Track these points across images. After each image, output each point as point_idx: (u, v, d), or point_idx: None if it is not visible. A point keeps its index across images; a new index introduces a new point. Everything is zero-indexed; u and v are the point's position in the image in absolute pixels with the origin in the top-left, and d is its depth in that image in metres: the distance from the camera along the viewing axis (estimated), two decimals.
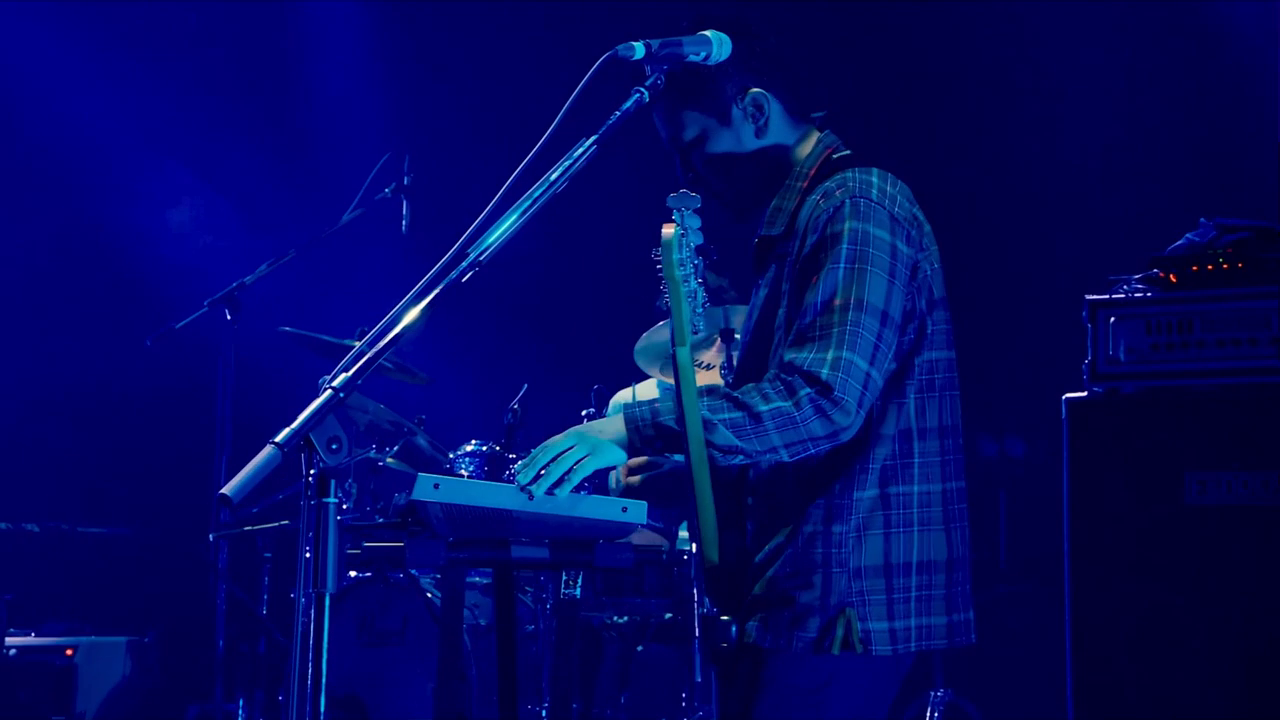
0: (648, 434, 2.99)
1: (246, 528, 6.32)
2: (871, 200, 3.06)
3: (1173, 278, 4.57)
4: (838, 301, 3.00)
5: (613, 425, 3.03)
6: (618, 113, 2.81)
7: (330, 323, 7.00)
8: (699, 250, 2.60)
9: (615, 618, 6.03)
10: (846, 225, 3.03)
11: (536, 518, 2.92)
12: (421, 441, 6.61)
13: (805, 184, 3.20)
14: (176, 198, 8.20)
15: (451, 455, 6.04)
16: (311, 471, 2.33)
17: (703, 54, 3.04)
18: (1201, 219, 4.62)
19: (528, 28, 8.03)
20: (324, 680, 2.30)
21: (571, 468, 2.96)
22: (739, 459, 2.98)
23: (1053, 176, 7.37)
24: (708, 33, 3.06)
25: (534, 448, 5.77)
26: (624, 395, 6.79)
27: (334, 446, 2.34)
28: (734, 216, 3.30)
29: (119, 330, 7.52)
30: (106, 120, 8.01)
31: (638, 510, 2.95)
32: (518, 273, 7.60)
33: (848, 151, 3.25)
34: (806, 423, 2.94)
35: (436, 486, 2.88)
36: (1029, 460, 7.71)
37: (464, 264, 2.56)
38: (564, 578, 2.99)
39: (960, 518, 3.18)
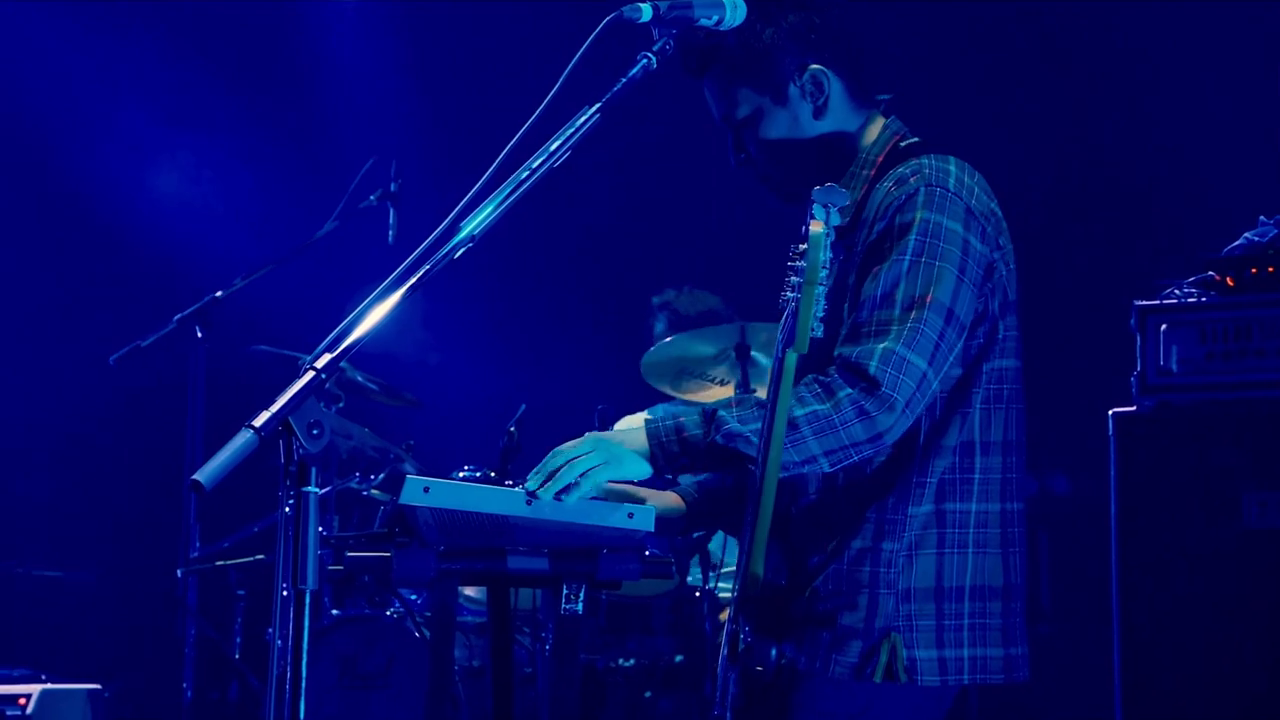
0: (672, 450, 2.98)
1: (218, 563, 6.30)
2: (949, 190, 3.05)
3: (1229, 281, 4.55)
4: (899, 295, 2.99)
5: (634, 436, 3.02)
6: (623, 80, 2.80)
7: (311, 341, 6.94)
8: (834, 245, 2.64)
9: (620, 660, 5.99)
10: (918, 215, 3.02)
11: (534, 524, 2.90)
12: (409, 469, 6.60)
13: (873, 172, 3.18)
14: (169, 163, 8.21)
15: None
16: (292, 458, 2.30)
17: (715, 18, 3.02)
18: (1261, 217, 4.61)
19: (524, 24, 8.05)
20: None
21: (584, 474, 2.93)
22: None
23: (1095, 171, 7.36)
24: None
25: (528, 477, 5.86)
26: (630, 421, 6.78)
27: (315, 431, 2.34)
28: (784, 200, 3.28)
29: (79, 349, 7.51)
30: (77, 116, 8.04)
31: (645, 515, 2.93)
32: (514, 283, 7.61)
33: (916, 139, 3.24)
34: (846, 426, 2.92)
35: (427, 490, 2.87)
36: (1073, 498, 7.68)
37: (455, 239, 2.55)
38: (565, 591, 2.96)
39: (1019, 542, 3.17)
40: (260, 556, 6.39)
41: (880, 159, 3.20)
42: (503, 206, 2.59)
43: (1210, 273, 4.57)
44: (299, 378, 2.41)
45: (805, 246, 2.66)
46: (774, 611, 3.07)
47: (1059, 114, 7.45)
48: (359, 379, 6.77)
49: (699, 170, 6.68)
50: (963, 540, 3.07)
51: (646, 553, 3.00)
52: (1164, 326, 4.60)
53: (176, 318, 6.51)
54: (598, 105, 2.72)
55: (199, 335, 6.50)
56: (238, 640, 6.39)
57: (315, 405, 2.37)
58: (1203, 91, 7.08)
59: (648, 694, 5.97)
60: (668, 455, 2.99)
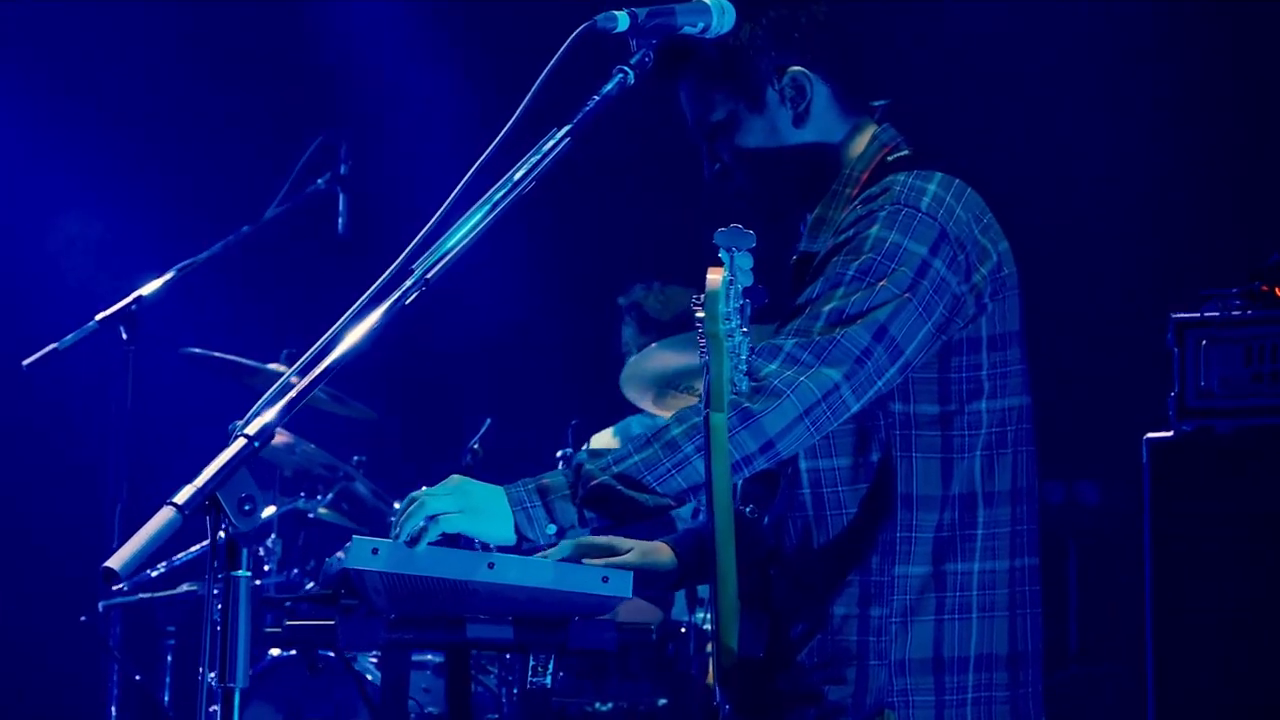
0: (537, 515, 2.96)
1: (144, 595, 6.30)
2: (918, 210, 3.03)
3: (1278, 291, 4.57)
4: (826, 309, 2.99)
5: (495, 499, 3.00)
6: (596, 97, 2.80)
7: (249, 343, 6.98)
8: (748, 292, 2.58)
9: (597, 705, 6.00)
10: (874, 233, 3.02)
11: (497, 590, 2.91)
12: (361, 489, 6.61)
13: (856, 190, 3.17)
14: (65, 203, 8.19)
15: (397, 505, 6.03)
16: (219, 538, 2.31)
17: (700, 25, 3.01)
18: None
19: None
20: None
21: (433, 518, 2.92)
22: (667, 502, 2.95)
23: (1131, 172, 7.38)
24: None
25: None
26: (603, 439, 6.78)
27: (247, 508, 2.33)
28: (764, 219, 3.28)
29: None
30: None
31: (621, 581, 2.94)
32: (480, 284, 7.59)
33: (907, 151, 3.22)
34: (732, 434, 2.86)
35: (376, 552, 2.87)
36: (1104, 508, 7.72)
37: (409, 283, 2.55)
38: (532, 663, 2.97)
39: (1031, 602, 3.15)
40: (192, 588, 6.38)
41: (865, 176, 3.18)
42: (461, 247, 2.60)
43: (1257, 283, 4.58)
44: (229, 445, 2.39)
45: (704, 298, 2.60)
46: (756, 687, 3.07)
47: (1096, 111, 7.47)
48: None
49: (677, 157, 6.67)
50: (964, 604, 3.06)
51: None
52: (1204, 343, 4.60)
53: (98, 317, 6.46)
54: (567, 128, 2.72)
55: (123, 337, 6.45)
56: (167, 682, 6.38)
57: (247, 477, 2.36)
58: (1248, 87, 7.12)
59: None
60: (532, 521, 2.98)
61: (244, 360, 6.67)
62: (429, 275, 2.58)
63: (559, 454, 5.90)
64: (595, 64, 2.87)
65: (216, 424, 7.02)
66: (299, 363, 2.57)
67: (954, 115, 7.31)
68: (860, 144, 3.23)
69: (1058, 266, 7.08)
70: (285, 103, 8.04)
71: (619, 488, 2.95)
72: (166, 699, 6.32)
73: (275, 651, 6.14)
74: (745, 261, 2.57)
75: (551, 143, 2.74)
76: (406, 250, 2.62)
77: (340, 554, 3.20)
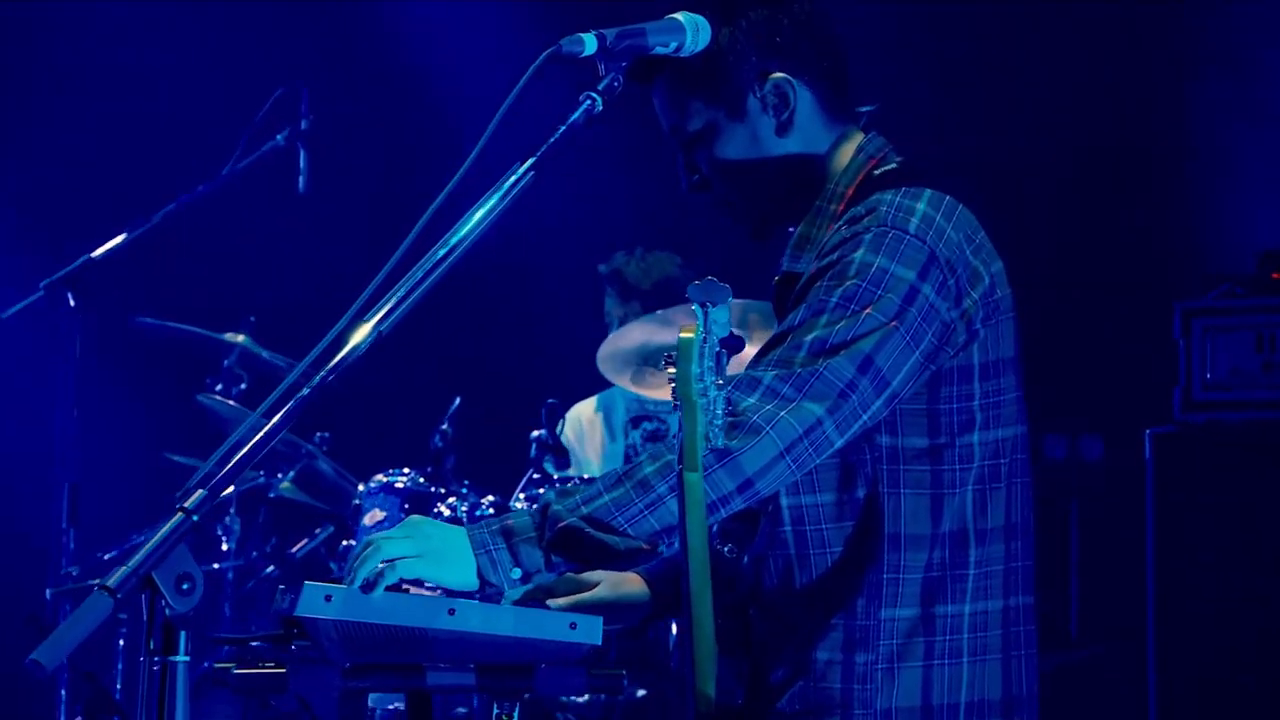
0: (501, 559, 2.93)
1: (94, 582, 6.26)
2: (906, 233, 2.99)
3: None
4: (809, 339, 2.96)
5: (456, 542, 2.95)
6: (562, 127, 2.77)
7: (205, 310, 6.95)
8: (724, 342, 2.56)
9: (573, 696, 6.02)
10: (860, 257, 2.98)
11: (459, 637, 2.89)
12: (324, 466, 6.60)
13: (840, 207, 3.13)
14: None
15: (361, 488, 6.02)
16: (154, 621, 2.29)
17: (673, 44, 2.98)
18: None
19: None
20: None
21: (391, 563, 2.87)
22: (639, 545, 2.92)
23: (1150, 148, 7.35)
24: (679, 16, 3.00)
25: (464, 482, 5.84)
26: (585, 411, 6.77)
27: (185, 586, 2.31)
28: (749, 234, 3.26)
29: None
30: None
31: (590, 627, 2.91)
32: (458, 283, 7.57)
33: (895, 164, 3.17)
34: (709, 473, 2.82)
35: (329, 599, 2.83)
36: (1108, 465, 7.72)
37: (365, 337, 2.53)
38: (496, 711, 2.97)
39: (1026, 642, 3.13)
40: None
41: (850, 191, 3.14)
42: (415, 296, 2.57)
43: (1268, 270, 4.57)
44: (166, 521, 2.36)
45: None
46: None
47: (1101, 92, 7.45)
48: (264, 356, 6.75)
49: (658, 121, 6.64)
50: (955, 649, 3.04)
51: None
52: (1212, 332, 4.60)
53: (44, 283, 6.44)
54: (530, 161, 2.70)
55: (71, 304, 6.43)
56: (118, 670, 6.36)
57: (186, 554, 2.33)
58: (1260, 67, 7.10)
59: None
60: (496, 565, 2.94)
61: (200, 330, 6.65)
62: (382, 328, 2.55)
63: (533, 435, 5.89)
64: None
65: (171, 399, 7.04)
66: (247, 421, 2.53)
67: (955, 90, 7.29)
68: (846, 155, 3.19)
69: (1061, 228, 7.09)
70: (241, 53, 7.96)
71: (588, 530, 2.92)
72: (118, 687, 6.30)
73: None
74: (721, 314, 2.55)
75: (514, 178, 2.72)
76: (358, 302, 2.58)
77: (286, 590, 3.20)
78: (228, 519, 6.61)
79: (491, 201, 2.71)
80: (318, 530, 6.55)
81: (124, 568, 2.31)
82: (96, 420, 6.66)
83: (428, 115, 7.78)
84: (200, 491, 2.39)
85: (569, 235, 7.61)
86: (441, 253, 2.65)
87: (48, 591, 6.25)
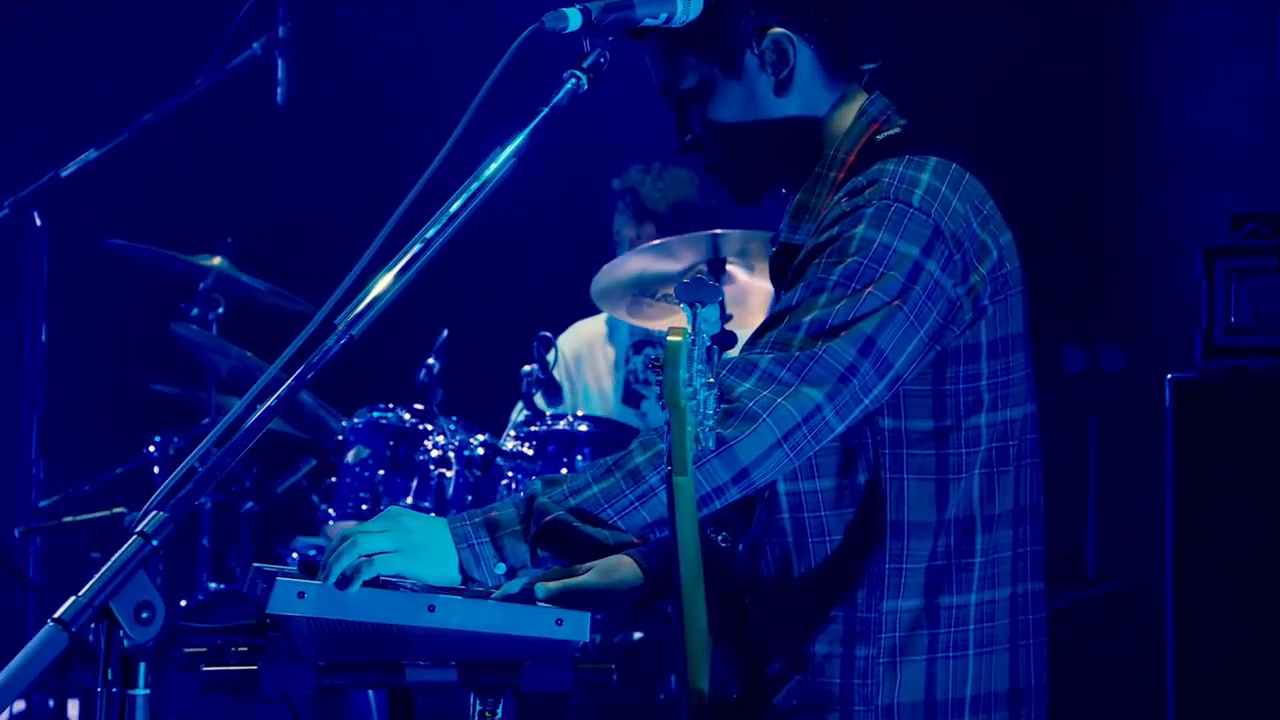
0: (485, 553, 2.92)
1: (67, 519, 6.28)
2: (910, 206, 2.96)
3: None
4: (808, 319, 2.93)
5: (436, 535, 2.94)
6: (544, 110, 2.74)
7: (179, 231, 6.92)
8: (716, 338, 2.54)
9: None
10: (861, 233, 2.95)
11: (440, 635, 2.88)
12: (304, 397, 6.57)
13: (841, 175, 3.10)
14: None
15: (344, 423, 6.01)
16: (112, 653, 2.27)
17: (663, 15, 2.94)
18: None
19: None
20: None
21: (369, 558, 2.86)
22: (630, 539, 2.93)
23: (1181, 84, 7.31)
24: None
25: (452, 418, 5.83)
26: (585, 329, 6.74)
27: (145, 615, 2.28)
28: (734, 196, 3.24)
29: None
30: None
31: (577, 624, 2.90)
32: (437, 180, 7.53)
33: (898, 128, 3.13)
34: (703, 463, 2.82)
35: (302, 595, 2.82)
36: (1130, 375, 7.72)
37: (331, 340, 2.50)
38: (479, 707, 2.97)
39: (1035, 631, 3.12)
40: (122, 510, 6.36)
41: (851, 158, 3.10)
42: (389, 296, 2.55)
43: None
44: (122, 547, 2.34)
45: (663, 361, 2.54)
46: None
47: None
48: (243, 279, 6.73)
49: None
50: (960, 640, 3.03)
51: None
52: (1235, 274, 4.57)
53: (9, 201, 6.42)
54: (511, 147, 2.66)
55: (38, 224, 6.41)
56: None
57: (144, 581, 2.31)
58: None
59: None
60: (479, 560, 2.93)
61: (174, 254, 6.62)
62: (353, 330, 2.53)
63: (524, 369, 5.87)
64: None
65: (145, 324, 7.01)
66: (199, 446, 2.51)
67: (983, 40, 7.24)
68: (847, 118, 3.15)
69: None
70: None
71: (576, 524, 2.91)
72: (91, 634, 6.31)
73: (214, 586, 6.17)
74: (711, 313, 2.53)
75: (493, 166, 2.69)
76: (328, 302, 2.56)
77: (259, 574, 3.18)
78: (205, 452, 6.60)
79: (468, 192, 2.68)
80: (300, 463, 6.55)
81: (78, 597, 2.28)
82: (66, 347, 6.66)
83: (413, 21, 7.70)
84: (159, 514, 2.36)
85: (564, 153, 7.55)
86: (416, 247, 2.60)
87: (16, 530, 6.28)
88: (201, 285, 6.69)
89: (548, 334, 5.92)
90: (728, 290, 5.86)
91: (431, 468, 5.75)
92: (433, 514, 5.67)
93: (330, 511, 5.95)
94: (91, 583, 2.29)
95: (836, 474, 3.04)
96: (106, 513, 6.34)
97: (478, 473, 5.70)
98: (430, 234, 2.64)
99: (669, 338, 2.50)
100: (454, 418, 5.89)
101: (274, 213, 7.47)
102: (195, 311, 6.66)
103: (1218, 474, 4.60)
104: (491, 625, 2.90)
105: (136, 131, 6.45)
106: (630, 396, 6.66)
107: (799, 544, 3.06)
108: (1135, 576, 6.86)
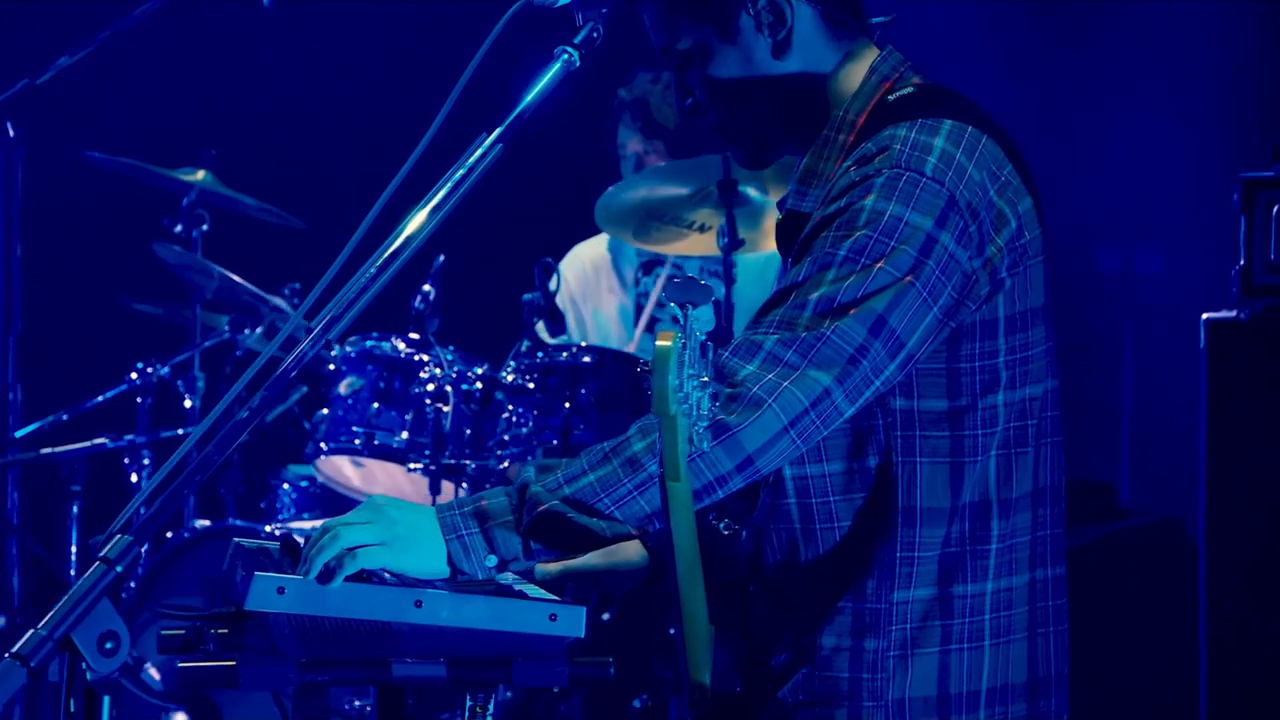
0: (474, 544, 2.91)
1: (45, 450, 6.30)
2: (923, 175, 2.93)
3: None
4: (815, 296, 2.91)
5: (423, 526, 2.93)
6: (533, 90, 2.72)
7: (161, 143, 6.89)
8: (710, 335, 2.52)
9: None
10: (869, 204, 2.92)
11: (427, 631, 2.88)
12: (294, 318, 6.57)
13: (851, 138, 3.07)
14: None
15: (335, 351, 6.00)
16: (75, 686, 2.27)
17: None
18: None
19: None
20: None
21: (351, 551, 2.85)
22: (627, 530, 2.92)
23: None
24: None
25: (449, 348, 5.82)
26: (585, 252, 6.72)
27: (109, 645, 2.28)
28: (743, 161, 3.22)
29: None
30: None
31: (572, 618, 2.89)
32: (429, 90, 7.48)
33: (912, 86, 3.10)
34: (707, 451, 2.82)
35: (282, 591, 2.82)
36: (1168, 276, 7.71)
37: (305, 344, 2.49)
38: (469, 703, 2.98)
39: (1055, 618, 3.11)
40: (103, 441, 6.38)
41: (861, 120, 3.07)
42: (367, 298, 2.53)
43: None
44: (85, 575, 2.32)
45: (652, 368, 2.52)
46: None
47: None
48: (228, 194, 6.71)
49: None
50: (975, 631, 3.02)
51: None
52: (1278, 208, 4.54)
53: None
54: (497, 132, 2.64)
55: (11, 134, 6.39)
56: (72, 552, 6.40)
57: (108, 610, 2.30)
58: None
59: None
60: (469, 552, 2.92)
61: (155, 168, 6.59)
62: (330, 335, 2.51)
63: (525, 297, 5.85)
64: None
65: (125, 240, 6.99)
66: (157, 475, 2.49)
67: None
68: (855, 76, 3.11)
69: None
70: None
71: (570, 514, 2.90)
72: (71, 572, 6.35)
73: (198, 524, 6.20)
74: (704, 313, 2.51)
75: (479, 152, 2.67)
76: (304, 304, 2.54)
77: (239, 554, 3.19)
78: (192, 374, 6.60)
79: (451, 182, 2.65)
80: (290, 391, 6.54)
81: (37, 630, 2.27)
82: (43, 265, 6.65)
83: None
84: (123, 537, 2.35)
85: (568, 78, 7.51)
86: (393, 248, 2.59)
87: None
88: (185, 200, 6.67)
89: (549, 260, 5.90)
90: (740, 212, 5.84)
91: (427, 402, 5.74)
92: (428, 449, 5.69)
93: (323, 446, 5.96)
94: (51, 614, 2.28)
95: (845, 457, 3.02)
96: (87, 444, 6.36)
97: (475, 407, 5.68)
98: (406, 233, 2.61)
99: (657, 342, 2.48)
100: (451, 347, 5.87)
101: (260, 123, 7.43)
102: (179, 228, 6.65)
103: (1255, 415, 4.58)
104: (482, 621, 2.89)
105: (115, 35, 6.41)
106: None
107: (806, 531, 3.05)
108: (1168, 506, 6.87)
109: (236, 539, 3.29)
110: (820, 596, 3.04)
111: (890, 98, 3.08)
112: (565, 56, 2.81)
